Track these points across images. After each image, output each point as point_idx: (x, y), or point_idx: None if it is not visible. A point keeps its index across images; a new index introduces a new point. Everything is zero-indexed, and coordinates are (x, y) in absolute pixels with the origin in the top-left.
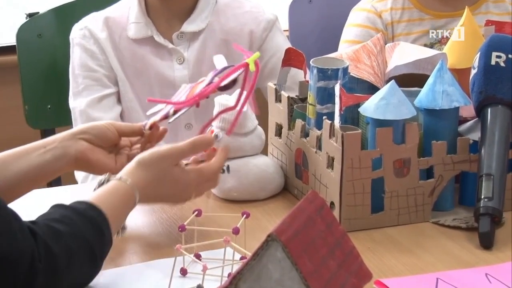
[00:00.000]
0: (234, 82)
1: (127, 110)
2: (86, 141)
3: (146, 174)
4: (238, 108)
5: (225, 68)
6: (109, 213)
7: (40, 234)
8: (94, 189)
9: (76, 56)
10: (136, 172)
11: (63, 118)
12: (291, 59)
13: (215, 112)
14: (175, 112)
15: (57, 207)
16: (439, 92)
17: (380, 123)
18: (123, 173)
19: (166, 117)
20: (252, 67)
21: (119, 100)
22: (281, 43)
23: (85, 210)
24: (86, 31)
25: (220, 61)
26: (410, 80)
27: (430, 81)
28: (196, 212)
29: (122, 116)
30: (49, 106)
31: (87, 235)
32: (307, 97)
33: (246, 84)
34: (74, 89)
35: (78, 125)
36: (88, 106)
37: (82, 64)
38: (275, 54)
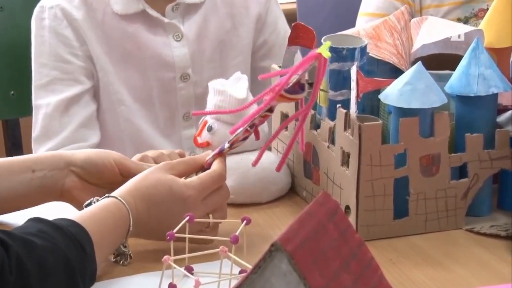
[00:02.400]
0: (302, 86)
1: (112, 106)
2: (78, 177)
3: (140, 188)
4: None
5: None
6: (94, 231)
7: (13, 245)
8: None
9: (44, 41)
10: (127, 188)
11: (29, 107)
12: (299, 36)
13: (209, 98)
14: (231, 145)
15: (34, 221)
16: (474, 76)
17: (405, 112)
18: (113, 192)
19: (221, 152)
20: (326, 54)
21: (93, 96)
22: (278, 16)
23: (64, 226)
24: (57, 11)
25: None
26: (440, 61)
27: (463, 62)
28: (187, 218)
29: (102, 112)
30: (12, 92)
31: (65, 251)
32: None
33: (317, 84)
34: (37, 81)
35: (76, 151)
36: (56, 110)
37: (51, 52)
38: (274, 30)
